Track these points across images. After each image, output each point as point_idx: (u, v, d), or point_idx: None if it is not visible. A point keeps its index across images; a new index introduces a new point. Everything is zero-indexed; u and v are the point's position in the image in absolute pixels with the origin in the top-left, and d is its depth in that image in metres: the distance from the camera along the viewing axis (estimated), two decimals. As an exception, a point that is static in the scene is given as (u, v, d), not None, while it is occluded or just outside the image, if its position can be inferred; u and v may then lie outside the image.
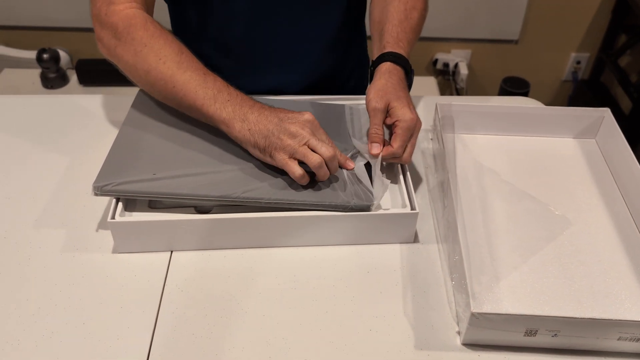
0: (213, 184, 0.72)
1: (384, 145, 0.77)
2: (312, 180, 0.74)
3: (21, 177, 0.84)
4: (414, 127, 0.77)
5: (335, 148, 0.73)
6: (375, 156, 0.76)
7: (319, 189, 0.74)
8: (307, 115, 0.73)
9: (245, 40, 0.94)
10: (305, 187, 0.74)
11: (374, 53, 0.85)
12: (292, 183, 0.74)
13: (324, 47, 0.97)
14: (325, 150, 0.71)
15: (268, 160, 0.73)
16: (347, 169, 0.75)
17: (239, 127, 0.72)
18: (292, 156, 0.71)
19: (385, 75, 0.79)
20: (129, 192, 0.71)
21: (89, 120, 0.95)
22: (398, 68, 0.81)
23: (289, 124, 0.71)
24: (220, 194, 0.71)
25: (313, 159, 0.70)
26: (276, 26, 0.93)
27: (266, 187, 0.73)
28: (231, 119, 0.72)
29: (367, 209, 0.72)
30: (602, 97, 2.16)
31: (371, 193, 0.73)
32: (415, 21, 0.86)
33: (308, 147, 0.71)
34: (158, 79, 0.75)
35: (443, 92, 2.26)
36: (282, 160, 0.71)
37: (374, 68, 0.82)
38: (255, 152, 0.73)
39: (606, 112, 0.91)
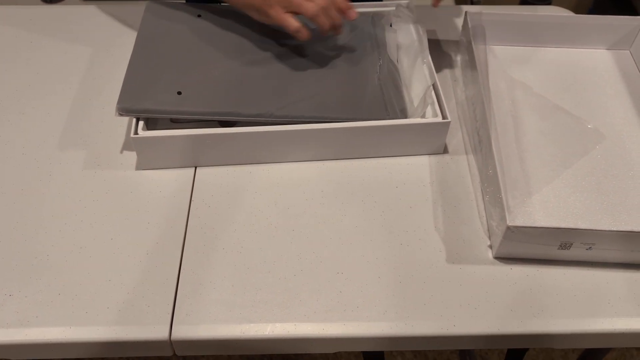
0: (243, 101, 0.70)
1: None
2: (347, 93, 0.71)
3: (33, 91, 0.81)
4: None
5: None
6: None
7: (355, 103, 0.72)
8: None
9: None
10: (340, 102, 0.72)
11: None
12: (326, 97, 0.72)
13: None
14: None
15: (264, 19, 0.72)
16: (349, 19, 0.73)
17: None
18: (288, 10, 0.70)
19: None
20: (155, 111, 0.69)
21: (97, 32, 0.91)
22: None
23: None
24: (252, 112, 0.70)
25: (308, 7, 0.69)
26: None
27: (299, 103, 0.71)
28: None
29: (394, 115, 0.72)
30: (623, 9, 2.07)
31: (404, 107, 0.70)
32: None
33: None
34: None
35: (459, 2, 2.16)
36: (278, 15, 0.70)
37: None
38: (253, 14, 0.73)
39: (643, 21, 0.86)
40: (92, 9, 0.95)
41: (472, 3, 2.11)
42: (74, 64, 0.85)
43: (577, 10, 2.25)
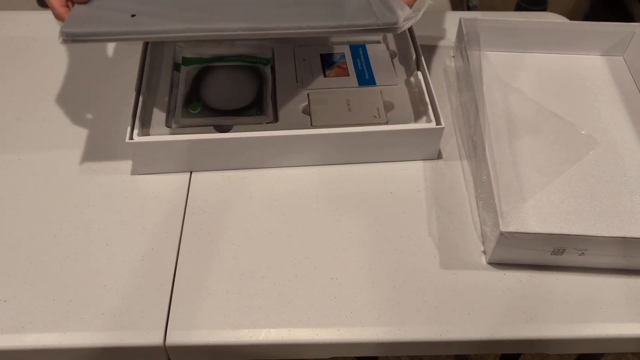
0: (207, 15, 0.61)
1: None
2: (323, 2, 0.64)
3: (30, 96, 0.81)
4: None
5: None
6: None
7: (339, 9, 0.64)
8: None
9: None
10: (321, 9, 0.63)
11: None
12: (306, 5, 0.63)
13: None
14: None
15: None
16: None
17: None
18: None
19: None
20: (105, 34, 0.59)
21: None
22: None
23: None
24: (219, 25, 0.60)
25: None
26: None
27: (273, 14, 0.62)
28: None
29: (394, 29, 0.63)
30: (619, 15, 2.08)
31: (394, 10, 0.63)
32: None
33: None
34: None
35: (455, 7, 2.17)
36: None
37: None
38: None
39: (637, 28, 0.87)
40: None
41: (468, 8, 2.12)
42: (70, 68, 0.86)
43: (573, 15, 2.26)
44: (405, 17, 0.62)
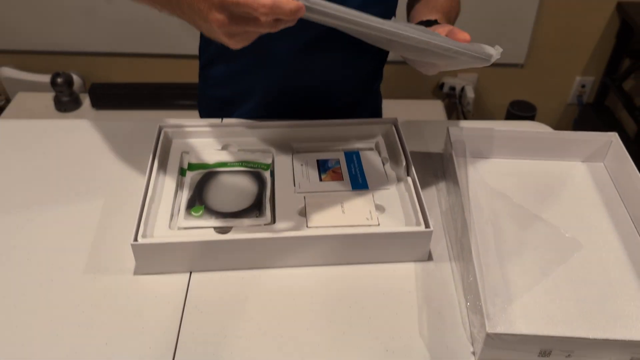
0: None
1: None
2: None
3: (43, 200, 0.86)
4: None
5: None
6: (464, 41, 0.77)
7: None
8: None
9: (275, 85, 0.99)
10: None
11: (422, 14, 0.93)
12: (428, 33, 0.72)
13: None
14: None
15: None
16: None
17: None
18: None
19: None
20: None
21: (102, 143, 0.97)
22: None
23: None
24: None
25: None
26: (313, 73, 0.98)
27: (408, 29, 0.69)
28: None
29: (488, 58, 0.73)
30: (607, 120, 2.19)
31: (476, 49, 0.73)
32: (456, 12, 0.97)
33: None
34: None
35: (450, 115, 2.29)
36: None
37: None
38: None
39: (614, 137, 0.93)
40: (103, 121, 1.03)
41: (464, 117, 2.23)
42: (82, 172, 0.91)
43: (563, 121, 2.37)
44: (495, 55, 0.74)
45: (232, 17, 0.58)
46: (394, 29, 0.66)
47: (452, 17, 0.96)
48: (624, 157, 0.89)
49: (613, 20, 2.08)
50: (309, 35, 0.93)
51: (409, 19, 1.00)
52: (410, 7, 1.02)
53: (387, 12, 0.95)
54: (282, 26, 0.60)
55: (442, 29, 0.79)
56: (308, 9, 0.59)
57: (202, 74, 1.09)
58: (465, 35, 0.75)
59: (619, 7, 2.04)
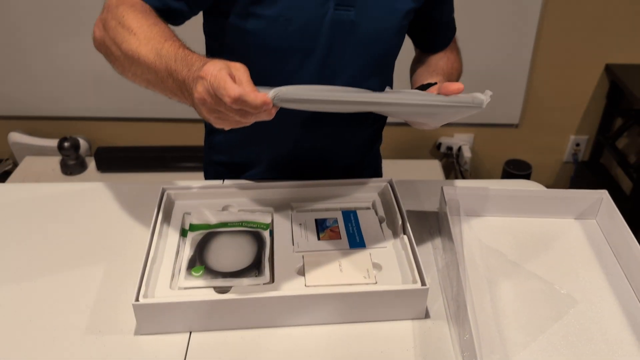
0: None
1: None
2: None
3: (46, 263, 0.88)
4: None
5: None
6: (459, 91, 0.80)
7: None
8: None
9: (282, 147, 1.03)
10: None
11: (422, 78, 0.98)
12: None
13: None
14: None
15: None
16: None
17: None
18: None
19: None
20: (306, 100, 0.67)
21: (106, 205, 1.00)
22: None
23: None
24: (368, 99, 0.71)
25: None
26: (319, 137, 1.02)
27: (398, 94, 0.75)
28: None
29: (480, 104, 0.76)
30: (602, 177, 2.22)
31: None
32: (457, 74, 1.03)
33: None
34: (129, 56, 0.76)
35: (447, 174, 2.32)
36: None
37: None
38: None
39: (604, 194, 0.95)
40: (107, 184, 1.06)
41: (462, 176, 2.27)
42: (87, 234, 0.94)
43: (560, 179, 2.41)
44: (485, 99, 0.77)
45: (209, 94, 0.63)
46: (375, 99, 0.71)
47: (453, 79, 1.00)
48: (615, 213, 0.91)
49: (602, 81, 2.15)
50: (306, 113, 0.98)
51: (411, 83, 1.05)
52: (412, 72, 1.07)
53: (383, 83, 1.00)
54: (253, 119, 0.65)
55: (435, 87, 0.83)
56: (282, 99, 0.63)
57: (207, 140, 1.13)
58: (458, 86, 0.79)
59: (608, 69, 2.11)
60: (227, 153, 1.09)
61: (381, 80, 1.00)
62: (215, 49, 0.98)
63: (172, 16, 0.85)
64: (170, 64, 0.70)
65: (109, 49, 0.78)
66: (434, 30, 1.05)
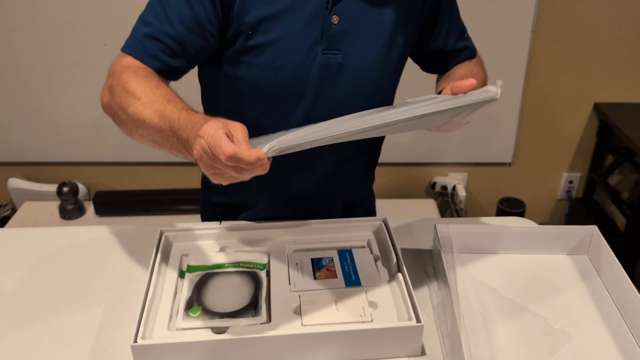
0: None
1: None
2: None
3: (40, 304, 0.89)
4: None
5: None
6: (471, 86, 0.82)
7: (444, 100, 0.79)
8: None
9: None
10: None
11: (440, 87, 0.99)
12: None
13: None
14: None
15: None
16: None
17: None
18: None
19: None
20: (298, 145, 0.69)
21: (104, 249, 1.01)
22: None
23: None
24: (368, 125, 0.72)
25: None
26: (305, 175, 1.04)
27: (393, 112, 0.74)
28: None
29: (493, 97, 0.78)
30: (596, 214, 2.24)
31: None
32: (481, 77, 1.03)
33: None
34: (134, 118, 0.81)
35: (443, 213, 2.34)
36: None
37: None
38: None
39: (594, 230, 0.97)
40: (106, 227, 1.07)
41: (457, 215, 2.29)
42: (84, 278, 0.94)
43: (554, 214, 2.43)
44: (497, 90, 0.80)
45: (206, 152, 0.67)
46: (373, 123, 0.72)
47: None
48: (605, 248, 0.93)
49: (592, 119, 2.20)
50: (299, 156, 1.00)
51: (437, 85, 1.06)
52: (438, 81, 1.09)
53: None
54: (249, 175, 0.68)
55: (446, 89, 0.85)
56: (277, 150, 0.66)
57: (205, 182, 1.15)
58: (469, 82, 0.82)
59: (596, 108, 2.16)
60: (224, 194, 1.11)
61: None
62: (210, 95, 1.02)
63: (172, 73, 0.90)
64: (173, 124, 0.75)
65: (116, 114, 0.84)
66: (442, 59, 1.07)
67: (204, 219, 1.19)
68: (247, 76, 0.92)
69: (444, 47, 1.04)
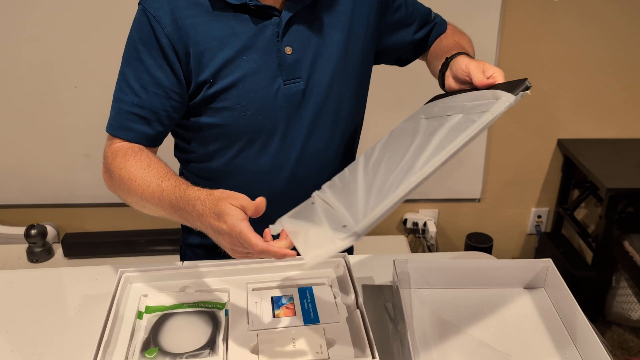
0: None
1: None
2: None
3: (10, 351, 0.88)
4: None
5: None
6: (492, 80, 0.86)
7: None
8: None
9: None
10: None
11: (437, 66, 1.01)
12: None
13: None
14: None
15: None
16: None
17: None
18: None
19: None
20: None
21: (65, 292, 1.01)
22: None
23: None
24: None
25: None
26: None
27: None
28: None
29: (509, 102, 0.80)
30: (565, 248, 2.27)
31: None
32: (466, 40, 1.06)
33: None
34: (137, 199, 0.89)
35: (415, 249, 2.36)
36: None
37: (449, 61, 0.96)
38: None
39: (549, 263, 0.99)
40: (69, 269, 1.06)
41: (429, 250, 2.31)
42: (40, 321, 0.93)
43: (525, 249, 2.46)
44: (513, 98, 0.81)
45: (239, 245, 0.74)
46: (414, 183, 0.81)
47: (465, 47, 1.02)
48: (560, 283, 0.95)
49: (557, 155, 2.26)
50: (276, 188, 1.03)
51: (430, 68, 1.09)
52: (429, 64, 1.10)
53: (357, 130, 1.10)
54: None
55: (475, 67, 0.88)
56: (367, 228, 0.70)
57: (185, 225, 1.15)
58: (491, 76, 0.86)
59: (560, 144, 2.22)
60: (203, 235, 1.11)
61: (353, 128, 1.07)
62: (182, 147, 1.04)
63: (153, 140, 0.96)
64: (172, 202, 0.83)
65: (120, 195, 0.94)
66: (415, 49, 1.12)
67: (183, 260, 1.18)
68: (217, 122, 0.95)
69: (413, 37, 1.09)
